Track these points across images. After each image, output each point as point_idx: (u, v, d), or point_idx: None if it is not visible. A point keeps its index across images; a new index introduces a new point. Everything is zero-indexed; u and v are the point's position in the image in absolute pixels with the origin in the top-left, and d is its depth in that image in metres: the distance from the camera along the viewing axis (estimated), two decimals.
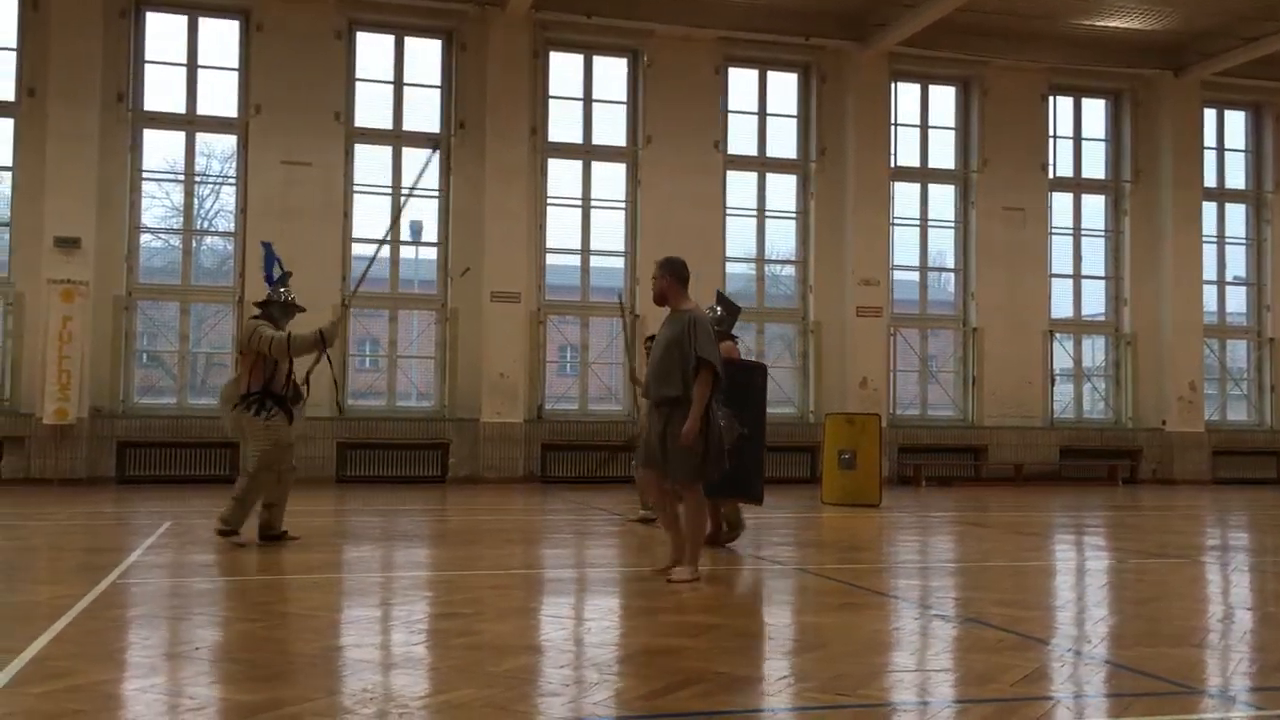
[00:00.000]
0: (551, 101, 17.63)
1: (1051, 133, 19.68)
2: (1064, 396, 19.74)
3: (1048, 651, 5.00)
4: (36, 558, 8.06)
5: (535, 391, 17.12)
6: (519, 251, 16.84)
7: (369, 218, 17.03)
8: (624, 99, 17.99)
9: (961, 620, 5.76)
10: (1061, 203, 19.87)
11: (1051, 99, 19.62)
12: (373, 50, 17.10)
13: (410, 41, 17.25)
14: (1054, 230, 19.66)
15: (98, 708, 3.87)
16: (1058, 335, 19.52)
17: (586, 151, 17.83)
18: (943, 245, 19.69)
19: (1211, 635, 5.41)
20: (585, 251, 17.74)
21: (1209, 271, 20.11)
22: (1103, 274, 20.04)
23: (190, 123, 16.49)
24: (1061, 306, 19.75)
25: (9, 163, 15.70)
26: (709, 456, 6.79)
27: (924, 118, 19.31)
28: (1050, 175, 19.58)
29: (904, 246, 19.06)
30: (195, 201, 17.01)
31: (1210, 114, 20.28)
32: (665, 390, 6.79)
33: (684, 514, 7.00)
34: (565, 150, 17.70)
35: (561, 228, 17.69)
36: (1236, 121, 20.64)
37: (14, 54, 15.67)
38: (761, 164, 18.57)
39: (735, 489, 8.52)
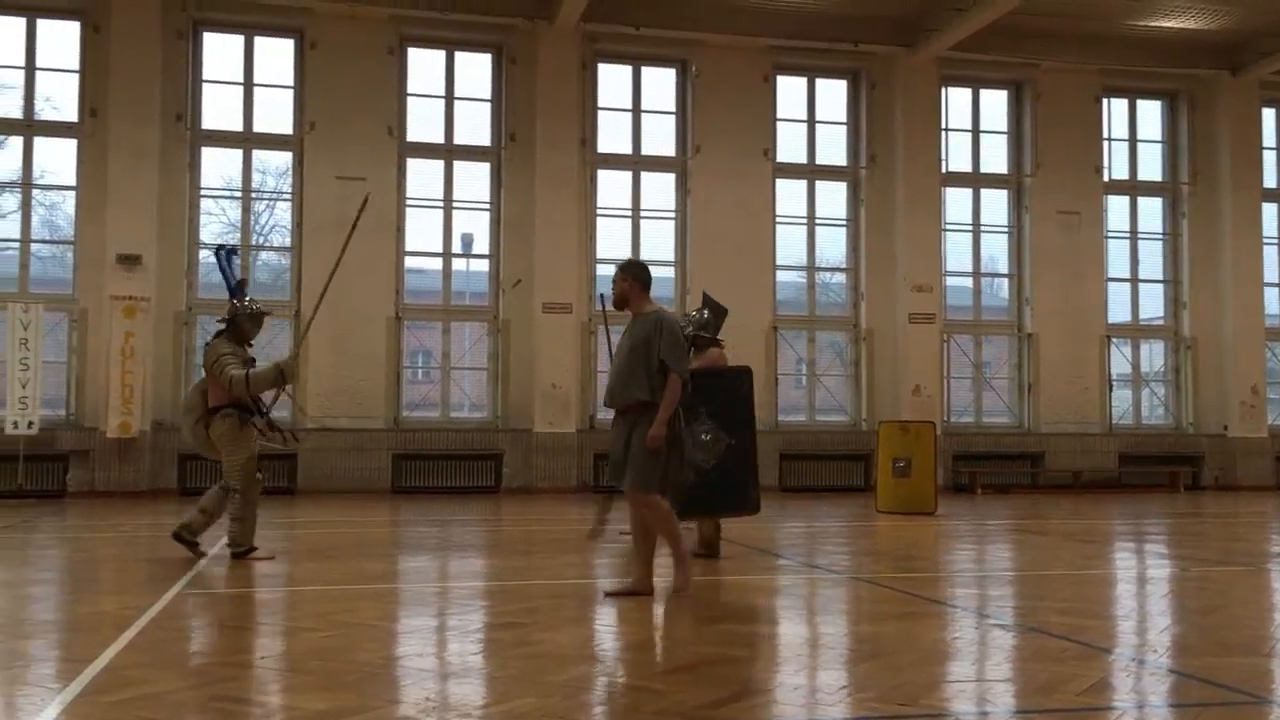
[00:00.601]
0: (600, 113, 17.71)
1: (1106, 135, 19.43)
2: (1122, 402, 19.45)
3: (1111, 661, 4.94)
4: (103, 569, 8.22)
5: (587, 401, 17.17)
6: (570, 262, 16.92)
7: (422, 231, 17.22)
8: (673, 109, 18.03)
9: (1022, 629, 5.70)
10: (1117, 206, 19.60)
11: (1105, 101, 19.37)
12: (424, 65, 17.29)
13: (461, 56, 17.42)
14: (1110, 234, 19.39)
15: (168, 716, 3.96)
16: (1115, 340, 19.24)
17: (636, 162, 17.89)
18: (996, 250, 19.50)
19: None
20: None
21: (1270, 274, 19.73)
22: (1161, 277, 19.72)
23: (247, 140, 16.77)
24: (1119, 311, 19.46)
25: (72, 182, 16.06)
26: (669, 467, 6.46)
27: (975, 122, 19.15)
28: (1105, 178, 19.33)
29: (956, 252, 18.91)
30: (251, 217, 17.28)
31: (1269, 114, 19.92)
32: (630, 395, 6.47)
33: (654, 527, 6.56)
34: (615, 161, 17.77)
35: (611, 238, 17.76)
36: None
37: (77, 75, 16.04)
38: (811, 171, 18.52)
39: (726, 503, 8.27)
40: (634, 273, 6.77)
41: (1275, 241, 19.91)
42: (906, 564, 8.85)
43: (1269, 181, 19.79)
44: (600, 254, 17.60)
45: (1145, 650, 5.26)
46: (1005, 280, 19.55)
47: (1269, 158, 19.88)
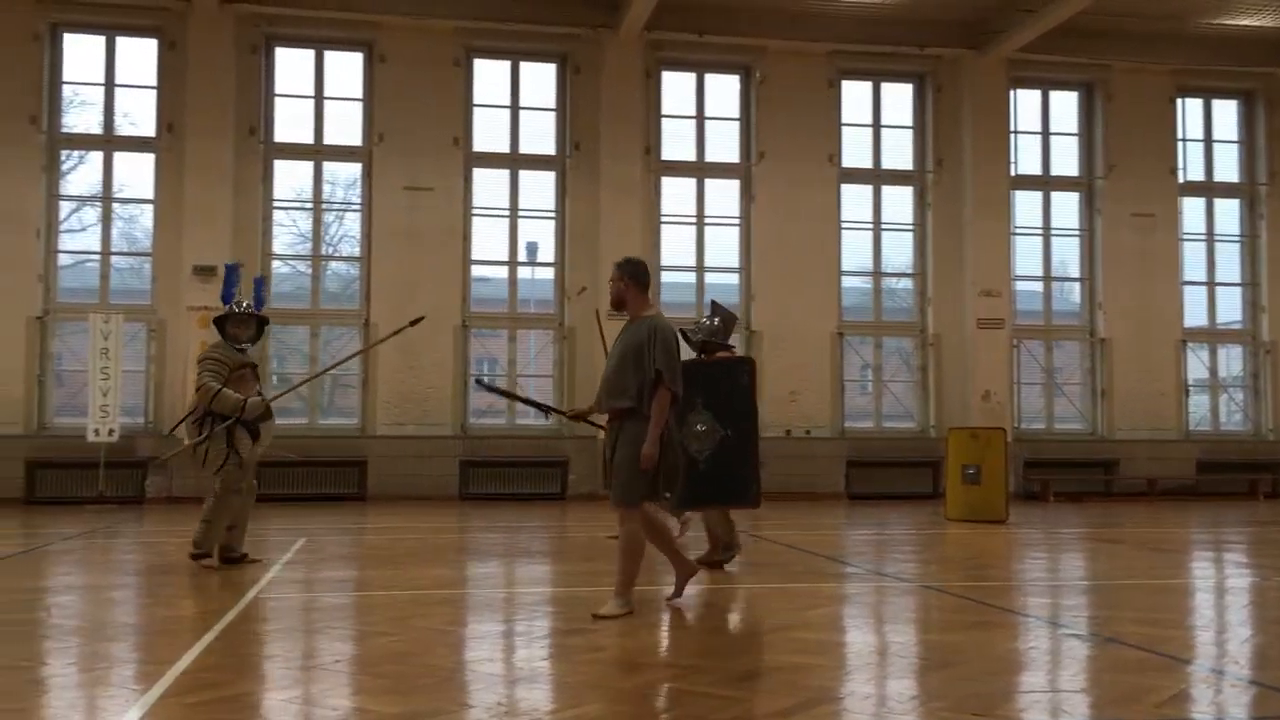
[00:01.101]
0: (664, 120, 17.75)
1: (1181, 136, 19.03)
2: (1199, 408, 19.02)
3: (1191, 672, 4.84)
4: (180, 574, 8.39)
5: None
6: None
7: (487, 240, 17.38)
8: (737, 115, 18.01)
9: (1098, 639, 5.60)
10: (1193, 208, 19.18)
11: (1180, 101, 18.98)
12: (490, 76, 17.46)
13: (525, 66, 17.57)
14: (1185, 236, 18.98)
15: (247, 718, 4.04)
16: (1191, 344, 18.82)
17: (700, 169, 17.90)
18: (1066, 254, 19.19)
19: None
20: (700, 269, 17.78)
21: None
22: (1239, 280, 19.26)
23: (318, 152, 17.07)
24: (1195, 315, 19.04)
25: (150, 195, 16.46)
26: (657, 479, 6.16)
27: (1045, 124, 18.87)
28: (1180, 180, 18.93)
29: (1026, 256, 18.65)
30: (322, 228, 17.56)
31: None
32: (617, 402, 6.23)
33: (622, 542, 6.31)
34: (679, 168, 17.79)
35: (676, 245, 17.78)
36: None
37: (154, 92, 16.45)
38: (876, 176, 18.38)
39: (723, 495, 8.15)
40: (630, 272, 6.47)
41: None
42: (978, 572, 8.74)
43: None
44: (665, 261, 17.62)
45: (1225, 661, 5.14)
46: (1076, 284, 19.23)
47: None
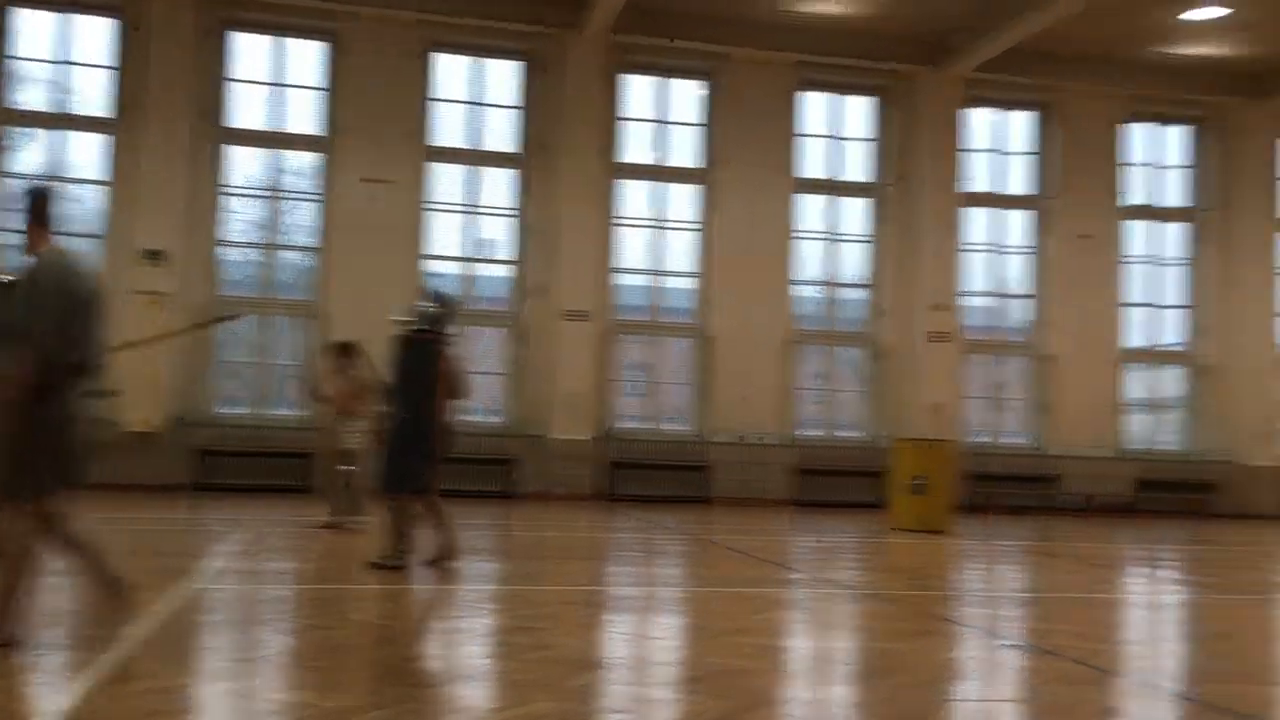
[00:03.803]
0: (626, 123, 17.77)
1: (1126, 160, 19.33)
2: (1137, 427, 19.36)
3: (1123, 685, 4.95)
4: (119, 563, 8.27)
5: (604, 409, 17.20)
6: (591, 270, 16.98)
7: (443, 235, 17.30)
8: (698, 121, 18.07)
9: (1034, 651, 5.71)
10: (1138, 231, 19.45)
11: (1127, 127, 19.27)
12: (453, 71, 17.36)
13: (490, 63, 17.50)
14: (1125, 259, 19.26)
15: (176, 709, 4.02)
16: (1130, 365, 19.17)
17: (659, 173, 17.95)
18: (1016, 271, 19.48)
19: None
20: (656, 272, 17.84)
21: None
22: (1179, 303, 19.61)
23: (275, 140, 16.88)
24: (1137, 335, 19.39)
25: (109, 177, 16.16)
26: (42, 463, 4.73)
27: (999, 143, 19.14)
28: (1124, 203, 19.24)
29: (977, 272, 18.91)
30: (276, 217, 17.38)
31: None
32: None
33: (9, 545, 4.80)
34: (638, 171, 17.83)
35: (633, 248, 17.82)
36: None
37: (112, 71, 16.15)
38: (834, 188, 18.53)
39: (392, 480, 7.89)
40: (29, 204, 4.95)
41: None
42: (920, 582, 8.85)
43: None
44: (622, 263, 17.65)
45: (1157, 675, 5.26)
46: (1024, 301, 19.48)
47: None
